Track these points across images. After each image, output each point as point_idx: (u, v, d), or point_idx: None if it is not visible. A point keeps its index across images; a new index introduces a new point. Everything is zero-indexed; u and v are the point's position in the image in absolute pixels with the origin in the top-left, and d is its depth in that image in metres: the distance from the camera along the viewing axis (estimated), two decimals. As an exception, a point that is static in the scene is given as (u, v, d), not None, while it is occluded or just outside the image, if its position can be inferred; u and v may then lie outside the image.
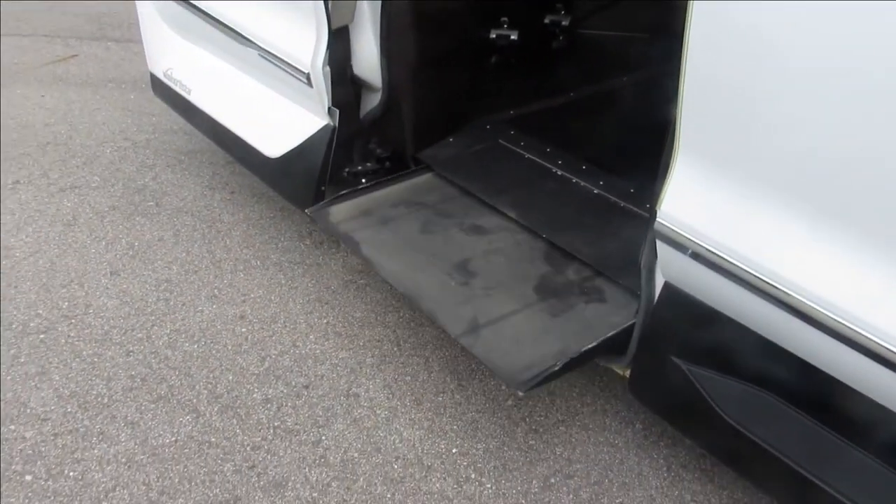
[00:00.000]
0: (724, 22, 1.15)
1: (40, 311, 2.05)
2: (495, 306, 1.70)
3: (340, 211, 2.04)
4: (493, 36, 2.59)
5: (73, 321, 2.02)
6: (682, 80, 1.23)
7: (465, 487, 1.57)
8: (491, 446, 1.67)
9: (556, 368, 1.49)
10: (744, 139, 1.20)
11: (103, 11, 4.56)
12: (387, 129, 2.21)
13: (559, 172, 2.12)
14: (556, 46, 2.90)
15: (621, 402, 1.80)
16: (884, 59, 1.00)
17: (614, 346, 1.60)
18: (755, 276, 1.24)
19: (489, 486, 1.58)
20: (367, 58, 2.04)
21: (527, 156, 2.21)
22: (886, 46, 0.99)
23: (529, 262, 1.85)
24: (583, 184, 2.07)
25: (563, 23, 2.85)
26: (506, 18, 2.59)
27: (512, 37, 2.61)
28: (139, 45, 3.98)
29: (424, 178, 2.19)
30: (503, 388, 1.81)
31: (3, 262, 2.23)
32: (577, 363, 1.55)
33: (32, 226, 2.42)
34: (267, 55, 2.09)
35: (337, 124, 2.05)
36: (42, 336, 1.96)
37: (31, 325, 2.00)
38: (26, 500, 1.53)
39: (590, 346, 1.55)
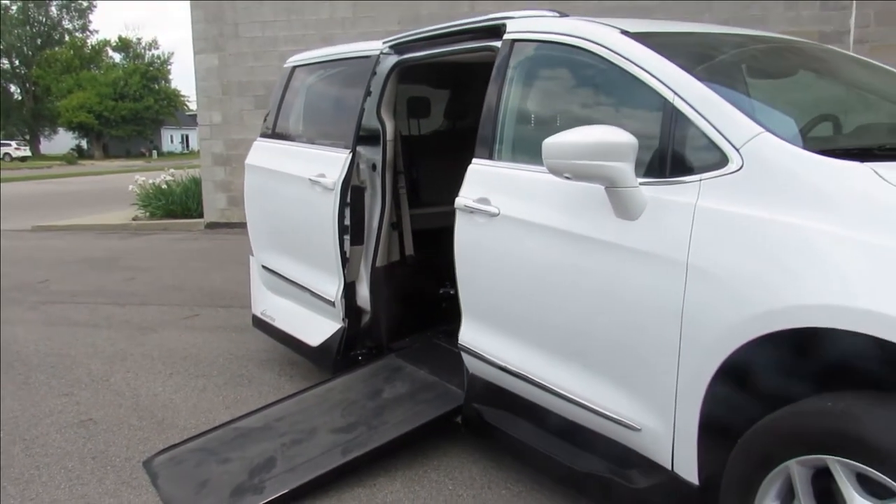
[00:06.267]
0: (479, 253, 3.22)
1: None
2: None
3: (161, 458, 3.33)
4: (441, 291, 4.67)
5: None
6: (456, 273, 3.25)
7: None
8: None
9: None
10: (482, 302, 3.20)
11: (212, 291, 6.98)
12: (372, 332, 4.21)
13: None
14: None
15: (464, 445, 3.58)
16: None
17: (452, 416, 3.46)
18: (502, 364, 3.12)
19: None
20: (363, 296, 4.09)
21: (444, 346, 4.19)
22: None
23: (237, 476, 3.08)
24: (468, 355, 4.03)
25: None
26: (448, 282, 4.68)
27: (451, 292, 4.68)
28: (235, 309, 6.35)
29: (383, 362, 4.08)
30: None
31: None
32: None
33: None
34: (313, 294, 4.23)
35: (346, 328, 4.11)
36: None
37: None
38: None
39: None
